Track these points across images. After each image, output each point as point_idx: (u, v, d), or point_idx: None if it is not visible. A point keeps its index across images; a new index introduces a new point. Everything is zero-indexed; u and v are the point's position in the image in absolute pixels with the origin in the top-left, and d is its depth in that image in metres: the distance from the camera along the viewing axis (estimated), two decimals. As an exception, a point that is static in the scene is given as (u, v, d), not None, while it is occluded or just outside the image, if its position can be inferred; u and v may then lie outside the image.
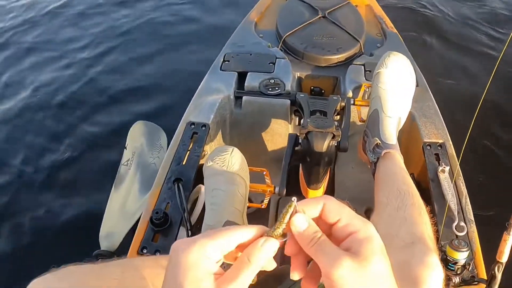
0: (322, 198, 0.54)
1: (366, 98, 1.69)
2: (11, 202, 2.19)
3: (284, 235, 0.54)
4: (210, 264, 0.52)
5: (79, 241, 1.89)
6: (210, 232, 0.53)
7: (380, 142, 1.38)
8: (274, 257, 0.55)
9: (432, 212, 1.29)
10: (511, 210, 0.97)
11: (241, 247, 0.54)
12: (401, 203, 1.16)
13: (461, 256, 1.14)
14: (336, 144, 1.37)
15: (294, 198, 0.53)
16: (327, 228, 0.54)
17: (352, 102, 1.62)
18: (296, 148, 1.42)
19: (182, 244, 0.53)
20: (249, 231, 0.54)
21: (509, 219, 0.99)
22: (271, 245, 0.53)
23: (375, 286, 0.50)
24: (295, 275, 0.54)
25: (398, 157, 1.36)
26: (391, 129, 1.42)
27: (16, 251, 1.98)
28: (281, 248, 0.55)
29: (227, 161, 1.27)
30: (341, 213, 0.53)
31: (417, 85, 1.80)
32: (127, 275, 0.92)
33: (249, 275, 0.52)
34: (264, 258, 0.53)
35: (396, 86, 1.49)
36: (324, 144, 1.31)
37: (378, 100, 1.47)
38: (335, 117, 1.54)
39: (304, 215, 0.53)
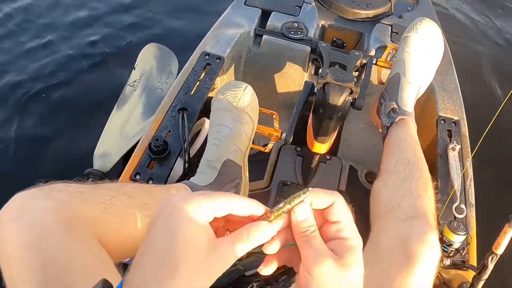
0: (333, 195, 0.55)
1: (389, 60, 1.63)
2: (14, 114, 2.12)
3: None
4: (205, 221, 0.52)
5: (74, 158, 1.86)
6: (208, 193, 0.54)
7: (396, 107, 1.33)
8: None
9: (436, 189, 1.26)
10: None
11: (231, 219, 0.56)
12: (409, 174, 1.13)
13: (457, 239, 1.13)
14: (352, 101, 1.32)
15: (310, 189, 0.55)
16: (321, 220, 0.56)
17: (374, 61, 1.57)
18: (310, 97, 1.38)
19: (178, 197, 0.53)
20: (248, 207, 0.55)
21: None
22: (271, 231, 0.55)
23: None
24: (268, 248, 0.55)
25: (412, 126, 1.31)
26: (409, 96, 1.37)
27: (7, 161, 1.92)
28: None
29: (238, 97, 1.22)
30: (343, 218, 0.55)
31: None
32: (116, 201, 0.89)
33: (242, 250, 0.53)
34: (261, 241, 0.54)
35: (423, 53, 1.43)
36: (340, 98, 1.26)
37: (402, 64, 1.42)
38: (354, 73, 1.49)
39: (309, 207, 0.55)
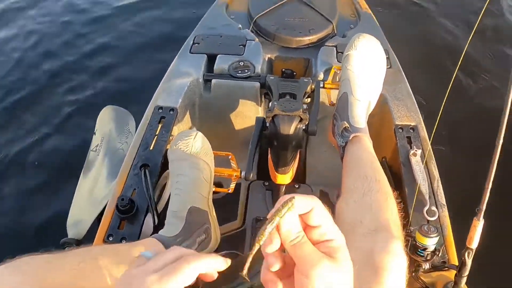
0: (312, 201, 0.56)
1: (336, 80, 1.66)
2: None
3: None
4: None
5: (47, 230, 1.86)
6: (166, 272, 0.59)
7: (348, 125, 1.35)
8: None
9: (401, 197, 1.28)
10: (481, 196, 0.95)
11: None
12: (367, 189, 1.15)
13: (430, 242, 1.14)
14: (304, 128, 1.35)
15: (295, 196, 0.55)
16: (302, 225, 0.57)
17: (322, 84, 1.60)
18: (265, 131, 1.40)
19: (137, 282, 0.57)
20: (209, 265, 0.61)
21: (479, 205, 0.97)
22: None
23: (345, 285, 0.55)
24: (275, 267, 0.56)
25: (366, 141, 1.33)
26: (360, 113, 1.39)
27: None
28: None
29: (190, 145, 1.25)
30: (324, 221, 0.56)
31: (389, 67, 1.79)
32: (85, 265, 0.90)
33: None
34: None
35: (366, 68, 1.46)
36: (291, 128, 1.29)
37: (347, 82, 1.44)
38: (306, 100, 1.51)
39: (296, 215, 0.55)
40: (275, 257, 0.56)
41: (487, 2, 1.22)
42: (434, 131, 1.30)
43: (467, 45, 1.34)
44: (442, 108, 1.17)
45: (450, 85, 1.15)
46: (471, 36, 1.20)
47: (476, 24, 1.17)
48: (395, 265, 0.93)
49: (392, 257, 0.94)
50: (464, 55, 1.26)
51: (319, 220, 0.56)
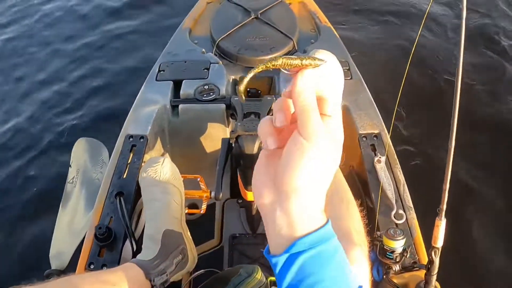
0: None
1: None
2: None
3: None
4: None
5: (30, 263, 1.89)
6: None
7: None
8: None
9: (370, 204, 1.32)
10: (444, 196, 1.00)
11: None
12: (329, 201, 1.18)
13: (397, 245, 1.19)
14: None
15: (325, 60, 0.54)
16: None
17: None
18: (231, 152, 1.45)
19: None
20: None
21: (440, 205, 1.02)
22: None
23: (328, 170, 0.56)
24: (279, 122, 0.55)
25: None
26: None
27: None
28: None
29: (159, 172, 1.30)
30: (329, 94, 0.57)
31: (350, 78, 1.84)
32: None
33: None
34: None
35: None
36: (254, 147, 1.34)
37: None
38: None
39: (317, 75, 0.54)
40: (284, 115, 0.55)
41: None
42: (389, 135, 1.35)
43: (413, 49, 1.40)
44: (394, 113, 1.23)
45: (401, 90, 1.21)
46: (415, 42, 1.27)
47: (420, 29, 1.24)
48: (358, 272, 0.97)
49: (353, 265, 0.98)
50: (411, 59, 1.32)
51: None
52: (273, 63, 0.53)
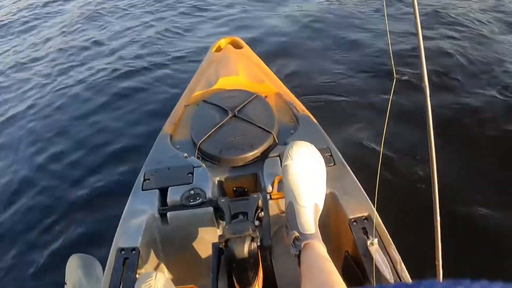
0: None
1: (282, 189, 1.71)
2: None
3: None
4: None
5: None
6: None
7: (298, 235, 1.40)
8: None
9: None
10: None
11: None
12: None
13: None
14: (259, 244, 1.40)
15: None
16: None
17: (268, 197, 1.67)
18: (223, 255, 1.45)
19: None
20: None
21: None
22: None
23: None
24: None
25: (318, 246, 1.38)
26: (308, 219, 1.44)
27: None
28: None
29: (153, 287, 1.30)
30: None
31: (334, 164, 1.87)
32: None
33: None
34: None
35: (305, 175, 1.52)
36: (244, 249, 1.34)
37: (290, 192, 1.51)
38: (260, 214, 1.57)
39: None
40: None
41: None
42: (375, 207, 1.35)
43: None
44: (376, 195, 1.25)
45: (381, 153, 1.25)
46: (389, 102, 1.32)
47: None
48: None
49: None
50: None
51: None
52: None
